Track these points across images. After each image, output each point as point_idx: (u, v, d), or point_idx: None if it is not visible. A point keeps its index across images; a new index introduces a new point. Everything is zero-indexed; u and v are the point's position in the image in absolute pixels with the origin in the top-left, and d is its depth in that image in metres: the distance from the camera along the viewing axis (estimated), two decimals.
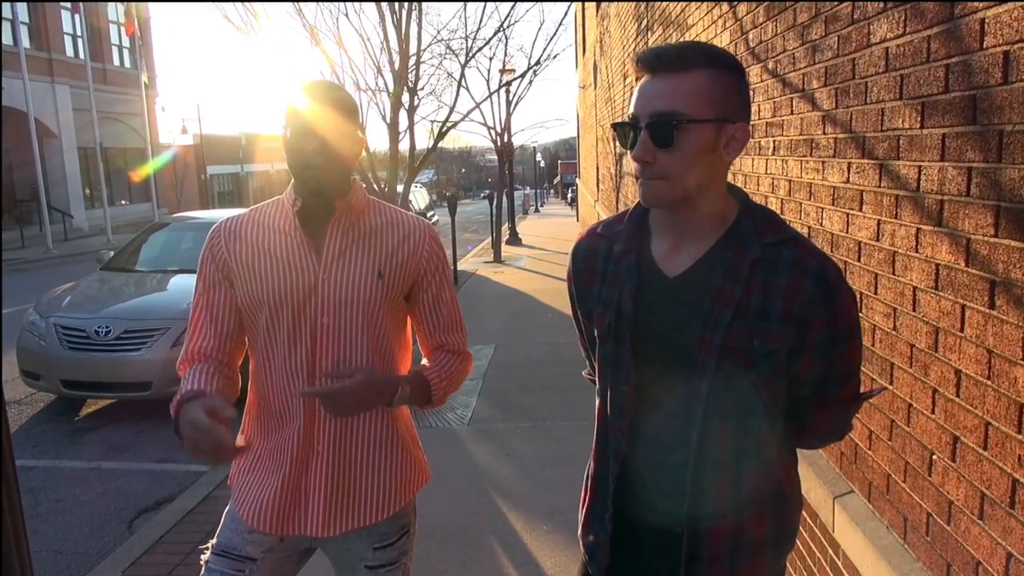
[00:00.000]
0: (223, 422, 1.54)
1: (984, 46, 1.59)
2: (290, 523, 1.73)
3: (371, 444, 1.76)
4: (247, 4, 8.11)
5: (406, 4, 8.23)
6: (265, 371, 1.74)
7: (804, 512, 2.75)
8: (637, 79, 1.31)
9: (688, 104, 1.24)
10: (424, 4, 8.83)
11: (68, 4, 23.41)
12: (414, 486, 1.86)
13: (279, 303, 1.69)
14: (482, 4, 34.32)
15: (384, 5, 8.07)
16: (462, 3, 20.50)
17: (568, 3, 16.55)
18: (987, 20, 1.58)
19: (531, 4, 19.20)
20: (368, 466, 1.76)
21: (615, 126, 1.35)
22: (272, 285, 1.69)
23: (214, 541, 1.79)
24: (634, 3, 7.92)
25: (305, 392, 1.64)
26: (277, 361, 1.72)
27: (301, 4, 8.10)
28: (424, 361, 1.88)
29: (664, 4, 5.96)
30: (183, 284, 6.61)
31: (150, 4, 28.70)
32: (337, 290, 1.70)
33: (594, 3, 14.46)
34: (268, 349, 1.73)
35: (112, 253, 7.91)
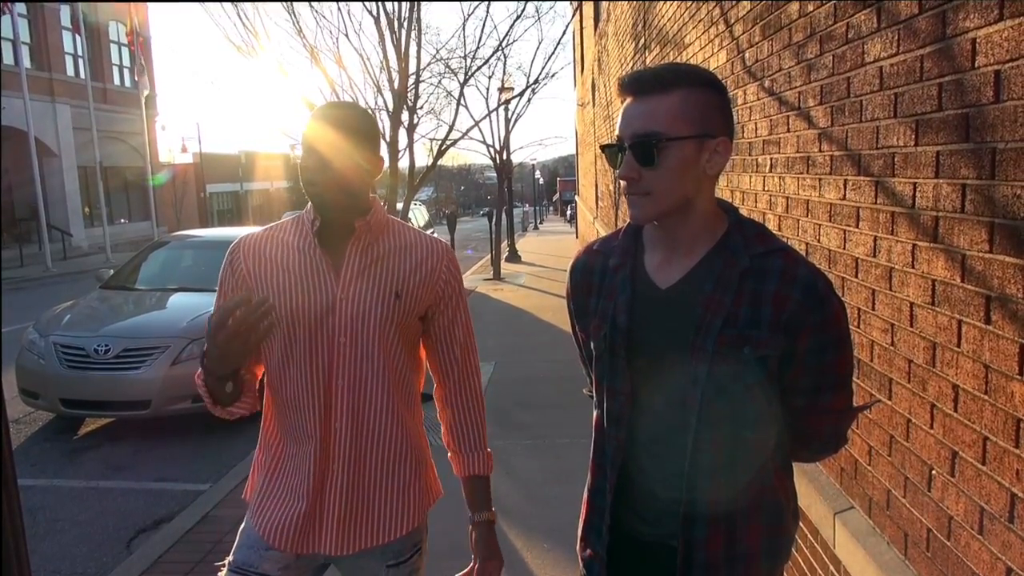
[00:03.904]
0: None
1: (976, 65, 1.62)
2: (306, 541, 1.74)
3: (387, 463, 1.77)
4: (248, 26, 8.18)
5: (405, 24, 8.31)
6: (282, 389, 1.75)
7: (805, 529, 2.74)
8: (622, 102, 1.38)
9: (666, 124, 1.31)
10: (423, 24, 8.92)
11: (70, 24, 23.56)
12: (428, 503, 1.87)
13: (296, 321, 1.70)
14: (480, 24, 34.57)
15: (383, 25, 8.14)
16: (460, 24, 20.64)
17: (571, 7, 16.61)
18: (978, 40, 1.60)
19: (529, 23, 19.36)
20: (384, 485, 1.76)
21: (603, 148, 1.42)
22: (290, 303, 1.70)
23: (231, 558, 1.80)
24: (631, 23, 8.00)
25: None
26: (294, 379, 1.72)
27: (301, 24, 8.17)
28: (450, 429, 1.91)
29: (661, 24, 6.02)
30: (183, 303, 6.62)
31: (151, 24, 28.89)
32: (355, 309, 1.71)
33: (592, 22, 14.58)
34: (284, 366, 1.73)
35: (111, 271, 7.91)
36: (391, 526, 1.77)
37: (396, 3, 8.12)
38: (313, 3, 8.26)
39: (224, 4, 7.90)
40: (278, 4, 8.06)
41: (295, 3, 8.16)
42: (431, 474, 1.90)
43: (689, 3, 4.80)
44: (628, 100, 1.36)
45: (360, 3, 7.99)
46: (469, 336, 1.89)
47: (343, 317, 1.70)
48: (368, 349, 1.71)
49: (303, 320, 1.70)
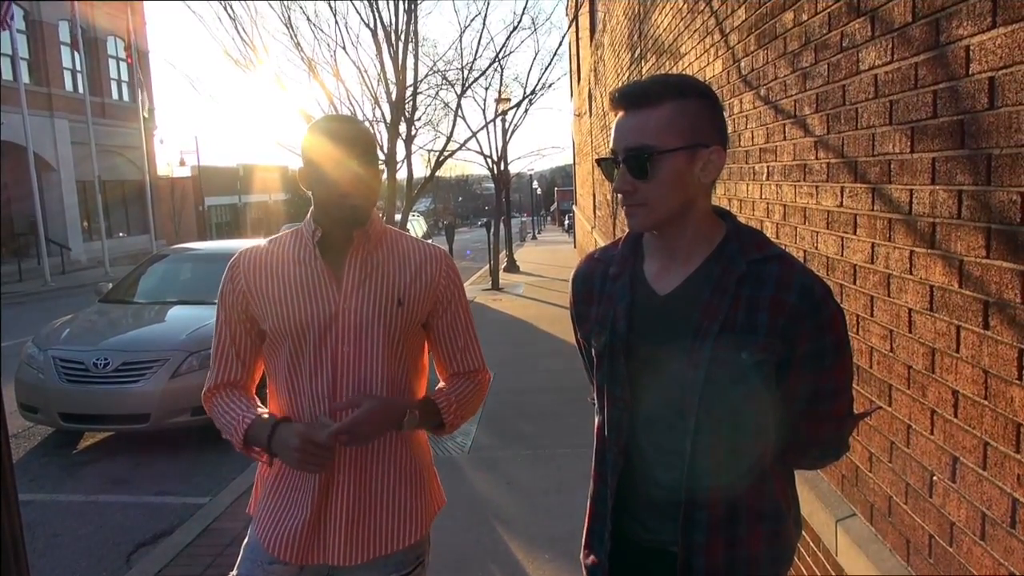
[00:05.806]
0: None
1: (970, 72, 1.63)
2: (312, 552, 1.74)
3: (391, 473, 1.77)
4: (246, 40, 8.22)
5: (402, 37, 8.35)
6: (287, 399, 1.76)
7: (807, 536, 2.73)
8: (614, 116, 1.40)
9: (657, 137, 1.32)
10: (420, 37, 8.97)
11: (68, 40, 23.63)
12: (432, 512, 1.87)
13: (301, 332, 1.72)
14: (477, 36, 34.72)
15: (381, 38, 8.19)
16: (457, 36, 20.76)
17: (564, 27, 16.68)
18: (972, 47, 1.61)
19: (526, 34, 19.43)
20: (388, 495, 1.77)
21: (599, 161, 1.44)
22: (293, 314, 1.72)
23: (235, 572, 1.80)
24: (627, 33, 8.04)
25: (329, 431, 1.61)
26: (299, 389, 1.74)
27: (299, 38, 8.22)
28: (440, 385, 1.90)
29: (657, 34, 6.05)
30: (181, 316, 6.61)
31: (149, 38, 28.94)
32: (357, 318, 1.72)
33: (588, 33, 14.65)
34: (291, 377, 1.75)
35: (110, 285, 7.91)
36: (398, 535, 1.78)
37: (392, 2, 8.15)
38: (308, 2, 8.33)
39: (222, 20, 7.95)
40: (276, 18, 8.13)
41: (292, 11, 8.21)
42: (435, 482, 1.91)
43: (684, 12, 4.82)
44: (619, 114, 1.38)
45: (357, 9, 8.04)
46: (471, 336, 1.90)
47: (346, 326, 1.72)
48: (371, 357, 1.73)
49: (307, 331, 1.71)
